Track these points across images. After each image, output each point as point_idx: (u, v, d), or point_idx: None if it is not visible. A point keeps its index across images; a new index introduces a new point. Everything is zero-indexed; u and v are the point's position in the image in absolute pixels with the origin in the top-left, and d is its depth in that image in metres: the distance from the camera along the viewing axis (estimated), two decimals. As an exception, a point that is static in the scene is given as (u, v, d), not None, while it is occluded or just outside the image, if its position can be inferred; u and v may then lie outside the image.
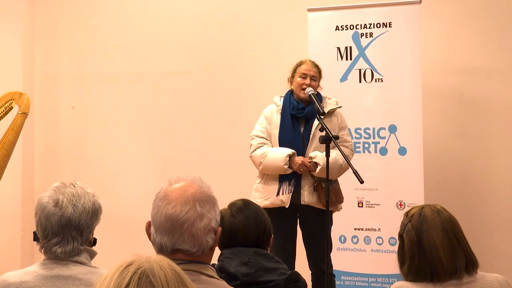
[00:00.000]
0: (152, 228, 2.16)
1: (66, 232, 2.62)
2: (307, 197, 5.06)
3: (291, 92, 5.24)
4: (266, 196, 5.13)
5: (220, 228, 2.18)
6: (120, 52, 7.25)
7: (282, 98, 5.25)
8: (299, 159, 5.03)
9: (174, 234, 2.10)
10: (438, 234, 2.58)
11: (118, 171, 7.18)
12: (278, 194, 5.08)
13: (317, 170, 4.98)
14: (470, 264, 2.59)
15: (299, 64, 5.25)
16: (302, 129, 5.15)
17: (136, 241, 6.44)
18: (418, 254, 2.58)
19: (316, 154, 5.01)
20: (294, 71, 5.25)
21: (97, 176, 7.06)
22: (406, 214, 2.71)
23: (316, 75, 5.20)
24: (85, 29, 7.37)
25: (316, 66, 5.25)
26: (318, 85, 5.23)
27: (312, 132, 5.09)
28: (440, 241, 2.57)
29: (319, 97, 5.15)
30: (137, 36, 7.20)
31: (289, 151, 5.03)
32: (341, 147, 4.87)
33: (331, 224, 5.14)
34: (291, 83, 5.26)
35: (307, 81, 5.16)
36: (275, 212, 4.93)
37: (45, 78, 7.43)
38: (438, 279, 2.56)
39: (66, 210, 2.62)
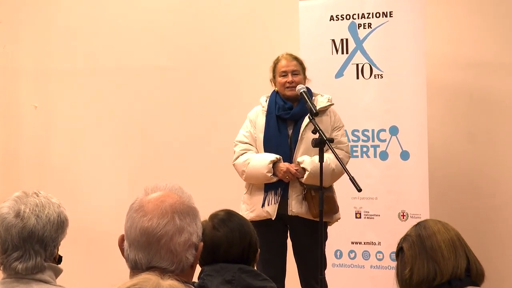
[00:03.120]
0: (125, 243, 2.16)
1: (28, 246, 2.62)
2: (295, 207, 5.08)
3: (276, 92, 5.29)
4: (252, 208, 5.16)
5: (201, 243, 2.18)
6: (89, 45, 7.23)
7: (269, 98, 5.29)
8: (283, 166, 5.06)
9: (150, 250, 2.09)
10: (439, 230, 2.76)
11: (87, 179, 7.16)
12: (263, 205, 5.10)
13: (305, 176, 5.01)
14: (474, 270, 2.70)
15: (276, 62, 5.31)
16: (290, 131, 5.18)
17: (107, 258, 6.45)
18: (419, 252, 2.74)
19: (304, 159, 5.04)
20: (274, 70, 5.31)
21: (63, 184, 7.04)
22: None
23: (297, 68, 5.25)
24: (49, 20, 7.35)
25: (295, 58, 5.31)
26: (305, 78, 5.28)
27: (300, 134, 5.12)
28: (441, 236, 2.74)
29: (309, 93, 5.16)
30: (108, 27, 7.19)
31: (273, 157, 5.06)
32: (336, 150, 4.88)
33: (326, 238, 5.16)
34: (274, 84, 5.32)
35: (289, 78, 5.20)
36: (262, 224, 4.95)
37: (4, 74, 7.40)
38: (441, 275, 2.67)
39: (29, 221, 2.62)
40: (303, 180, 5.04)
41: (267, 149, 5.15)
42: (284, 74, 5.22)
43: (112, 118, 7.16)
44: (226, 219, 3.19)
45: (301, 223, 5.11)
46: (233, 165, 5.26)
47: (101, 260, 6.87)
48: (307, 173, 4.99)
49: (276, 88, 5.29)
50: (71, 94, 7.28)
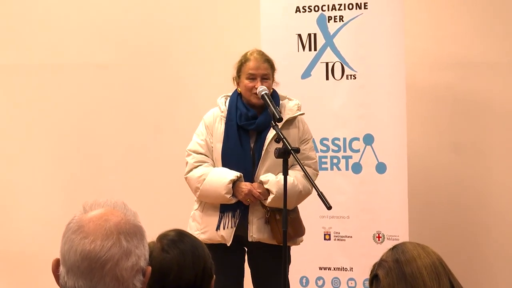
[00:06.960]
0: (61, 269, 2.14)
1: None
2: (256, 232, 5.05)
3: (238, 94, 5.22)
4: (204, 228, 5.11)
5: (149, 268, 2.18)
6: (17, 40, 7.18)
7: (228, 100, 5.24)
8: (245, 187, 5.01)
9: (93, 277, 2.08)
10: (419, 255, 2.75)
11: (14, 193, 7.10)
12: (217, 228, 5.07)
13: (269, 199, 4.97)
14: None
15: (245, 60, 5.18)
16: (252, 144, 5.14)
17: (37, 285, 6.41)
18: (398, 280, 2.73)
19: (269, 179, 5.00)
20: (239, 69, 5.20)
21: (-15, 199, 6.99)
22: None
23: (267, 71, 5.15)
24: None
25: (267, 60, 5.20)
26: (273, 81, 5.21)
27: (264, 148, 5.07)
28: (422, 261, 2.72)
29: (275, 98, 5.12)
30: (38, 18, 7.14)
31: (233, 175, 5.00)
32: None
33: (289, 263, 5.16)
34: (238, 84, 5.22)
35: (257, 83, 5.09)
36: (216, 248, 4.93)
37: None
38: None
39: None
40: (266, 203, 5.00)
41: (226, 164, 5.09)
42: (252, 77, 5.11)
43: (44, 123, 7.10)
44: (177, 240, 3.19)
45: (261, 246, 5.09)
46: (185, 178, 5.18)
47: (30, 288, 6.83)
48: (271, 196, 4.95)
49: (239, 89, 5.22)
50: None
